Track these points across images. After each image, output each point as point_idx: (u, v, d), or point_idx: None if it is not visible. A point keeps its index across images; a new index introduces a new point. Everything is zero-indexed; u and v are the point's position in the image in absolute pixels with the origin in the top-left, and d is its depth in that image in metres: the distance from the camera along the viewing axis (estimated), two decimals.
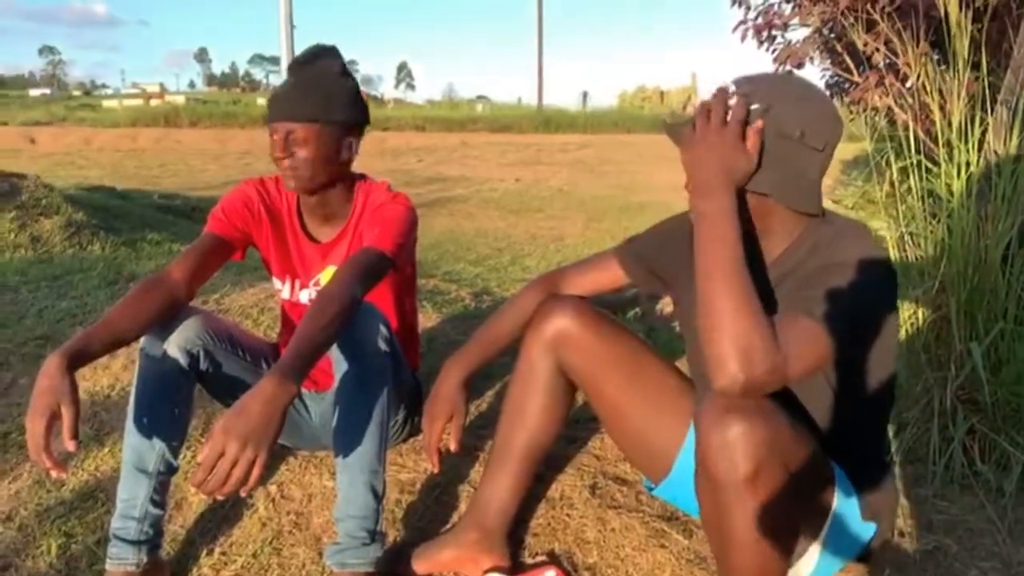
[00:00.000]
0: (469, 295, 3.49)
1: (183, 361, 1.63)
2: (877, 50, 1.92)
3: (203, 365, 1.70)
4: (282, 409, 1.29)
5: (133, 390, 1.62)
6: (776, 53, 3.18)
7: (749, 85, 1.27)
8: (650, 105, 29.23)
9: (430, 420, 1.60)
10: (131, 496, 1.59)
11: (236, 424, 1.25)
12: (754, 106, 1.24)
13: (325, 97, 1.69)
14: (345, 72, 1.75)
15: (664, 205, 9.05)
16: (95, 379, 2.41)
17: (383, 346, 1.55)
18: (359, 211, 1.81)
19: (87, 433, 2.15)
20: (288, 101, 1.69)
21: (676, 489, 1.58)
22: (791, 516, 1.24)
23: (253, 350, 1.85)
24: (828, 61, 3.10)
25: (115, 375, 2.43)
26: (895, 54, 2.01)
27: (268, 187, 1.84)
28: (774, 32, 3.20)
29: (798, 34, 3.15)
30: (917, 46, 1.84)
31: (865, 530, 1.39)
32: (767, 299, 1.29)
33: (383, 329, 1.56)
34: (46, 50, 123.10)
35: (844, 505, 1.36)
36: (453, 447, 1.60)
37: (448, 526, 1.75)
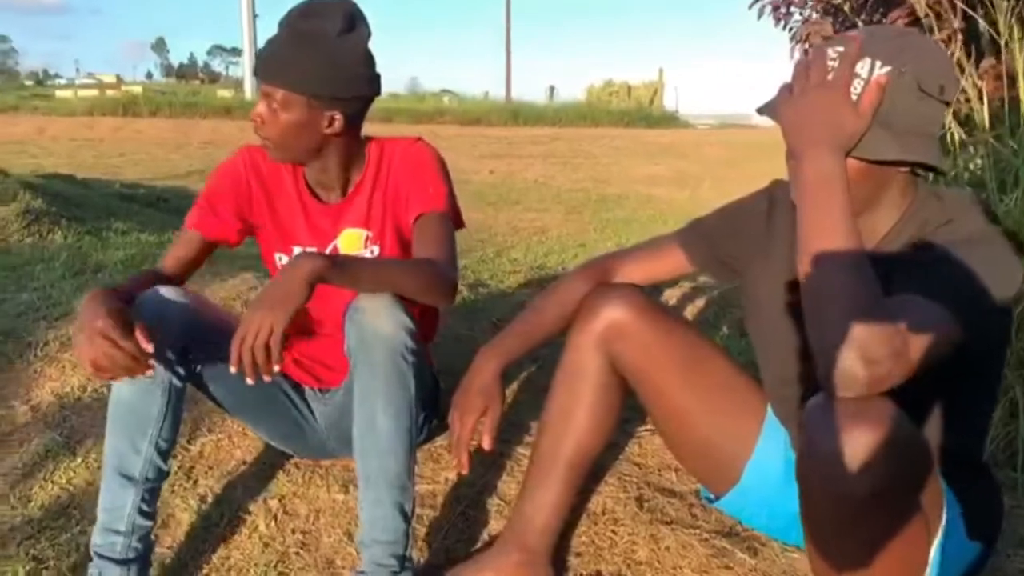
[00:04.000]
0: (464, 287, 3.28)
1: (173, 354, 1.42)
2: (946, 12, 1.76)
3: (195, 357, 1.48)
4: (304, 278, 1.28)
5: (113, 386, 1.39)
6: (794, 31, 3.02)
7: (866, 42, 1.10)
8: (617, 99, 29.12)
9: (461, 415, 1.40)
10: (115, 506, 1.37)
11: (258, 296, 1.31)
12: (884, 68, 1.06)
13: (314, 63, 1.47)
14: (348, 30, 1.50)
15: (643, 197, 8.95)
16: (63, 379, 2.16)
17: (410, 342, 1.34)
18: (375, 165, 1.61)
19: (56, 440, 1.91)
20: (275, 60, 1.48)
21: (744, 501, 1.41)
22: (918, 538, 1.07)
23: None
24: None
25: (85, 374, 2.17)
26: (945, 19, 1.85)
27: (265, 153, 1.60)
28: (792, 8, 3.05)
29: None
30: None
31: (969, 551, 1.23)
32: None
33: (409, 323, 1.35)
34: None
35: (951, 524, 1.19)
36: (487, 446, 1.39)
37: (478, 545, 1.55)
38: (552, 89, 30.12)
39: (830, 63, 1.08)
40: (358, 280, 1.37)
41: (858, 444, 0.96)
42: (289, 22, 1.50)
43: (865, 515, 1.00)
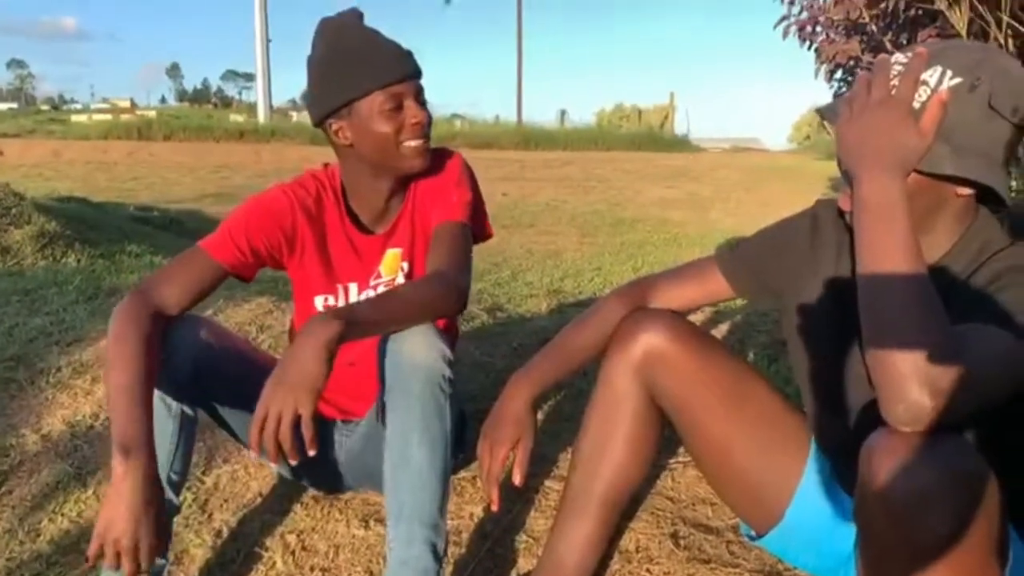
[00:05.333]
0: (482, 311, 3.23)
1: (184, 381, 1.37)
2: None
3: (207, 386, 1.43)
4: (324, 347, 1.17)
5: None
6: (818, 51, 2.97)
7: (942, 51, 1.04)
8: (628, 123, 29.21)
9: (491, 446, 1.32)
10: None
11: (276, 374, 1.17)
12: (955, 80, 1.00)
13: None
14: None
15: (657, 220, 8.89)
16: (75, 406, 2.11)
17: (448, 372, 1.28)
18: (414, 182, 1.54)
19: (66, 470, 1.85)
20: (404, 56, 1.45)
21: (789, 539, 1.33)
22: None
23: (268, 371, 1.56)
24: (874, 59, 2.88)
25: (98, 402, 2.12)
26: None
27: (307, 187, 1.52)
28: (818, 28, 3.00)
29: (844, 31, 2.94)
30: None
31: None
32: None
33: (447, 351, 1.29)
34: (15, 64, 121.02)
35: (1017, 564, 1.11)
36: (518, 480, 1.31)
37: None
38: (563, 113, 30.22)
39: (895, 70, 1.01)
40: (375, 325, 1.28)
41: (930, 483, 0.89)
42: (362, 29, 1.46)
43: (937, 558, 0.92)
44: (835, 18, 2.81)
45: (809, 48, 3.07)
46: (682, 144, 24.71)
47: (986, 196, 1.10)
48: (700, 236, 7.37)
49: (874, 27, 2.73)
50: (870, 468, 0.94)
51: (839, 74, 3.77)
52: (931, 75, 1.02)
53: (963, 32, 1.94)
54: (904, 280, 0.95)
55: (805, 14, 3.04)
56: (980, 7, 1.80)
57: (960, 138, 1.02)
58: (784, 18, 3.05)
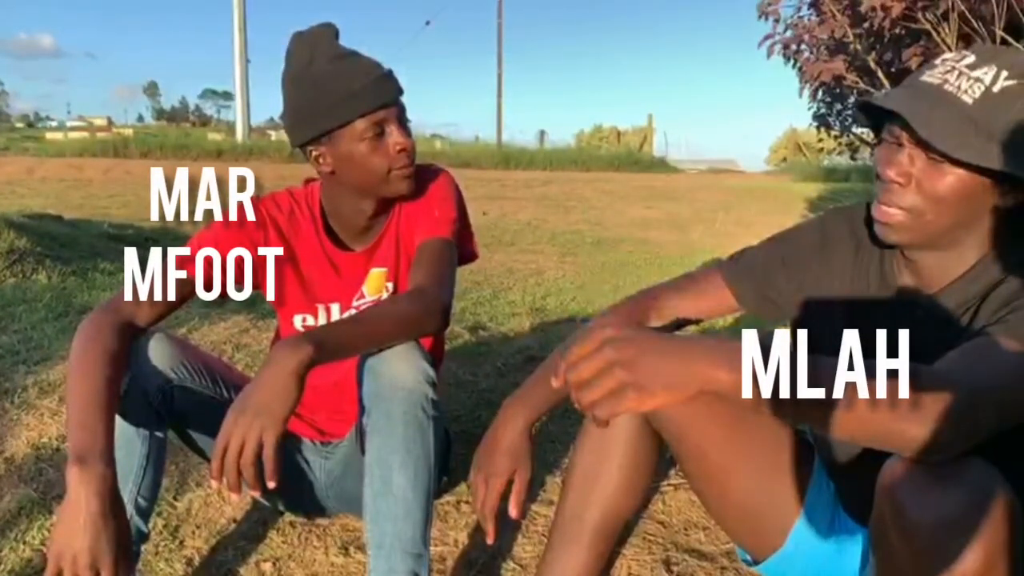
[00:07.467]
0: (464, 330, 3.18)
1: (153, 401, 1.31)
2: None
3: (178, 406, 1.36)
4: (292, 373, 1.11)
5: None
6: (802, 70, 2.96)
7: (994, 55, 1.02)
8: (607, 145, 29.39)
9: (487, 478, 1.25)
10: None
11: (241, 399, 1.12)
12: (1008, 81, 0.98)
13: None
14: None
15: (637, 239, 8.88)
16: (41, 428, 2.02)
17: (431, 393, 1.23)
18: (399, 200, 1.48)
19: (30, 495, 1.76)
20: (383, 79, 1.38)
21: (789, 565, 1.28)
22: None
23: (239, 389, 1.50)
24: (858, 78, 2.88)
25: (65, 423, 2.03)
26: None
27: (280, 203, 1.47)
28: (802, 47, 2.99)
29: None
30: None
31: None
32: (933, 329, 1.04)
33: (431, 372, 1.24)
34: None
35: None
36: (515, 513, 1.25)
37: None
38: (543, 133, 30.29)
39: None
40: (352, 345, 1.22)
41: (956, 510, 0.84)
42: (333, 47, 1.38)
43: None
44: (820, 37, 2.80)
45: (794, 66, 3.07)
46: (660, 165, 24.81)
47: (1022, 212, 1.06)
48: (680, 256, 7.37)
49: (858, 46, 2.72)
50: (891, 496, 0.89)
51: (820, 94, 3.77)
52: (985, 73, 0.99)
53: (952, 49, 1.92)
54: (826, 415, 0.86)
55: (790, 32, 3.04)
56: (975, 22, 1.79)
57: (1009, 138, 0.98)
58: (768, 36, 3.05)
